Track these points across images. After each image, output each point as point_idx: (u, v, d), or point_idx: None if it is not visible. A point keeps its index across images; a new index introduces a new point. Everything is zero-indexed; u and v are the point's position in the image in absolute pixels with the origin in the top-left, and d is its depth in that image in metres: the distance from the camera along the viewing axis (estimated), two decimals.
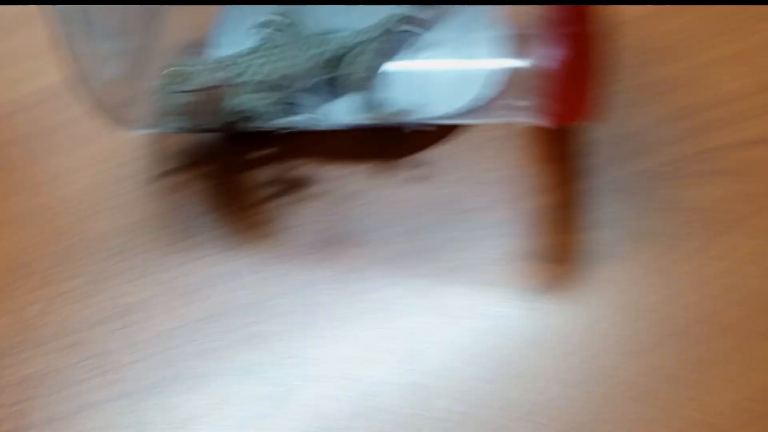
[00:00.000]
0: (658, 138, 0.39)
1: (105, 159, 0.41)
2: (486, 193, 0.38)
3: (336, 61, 0.40)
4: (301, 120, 0.39)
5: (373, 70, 0.41)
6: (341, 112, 0.40)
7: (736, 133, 0.39)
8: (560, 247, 0.37)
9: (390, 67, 0.41)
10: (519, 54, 0.40)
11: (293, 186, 0.40)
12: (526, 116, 0.39)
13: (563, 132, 0.40)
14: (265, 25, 0.41)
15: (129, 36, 0.40)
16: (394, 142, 0.40)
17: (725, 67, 0.42)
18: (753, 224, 0.36)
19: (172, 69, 0.36)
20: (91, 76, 0.36)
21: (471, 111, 0.39)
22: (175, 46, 0.42)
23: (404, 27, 0.41)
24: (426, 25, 0.42)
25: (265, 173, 0.40)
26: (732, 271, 0.35)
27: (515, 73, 0.40)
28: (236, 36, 0.42)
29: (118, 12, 0.39)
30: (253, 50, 0.39)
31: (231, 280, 0.37)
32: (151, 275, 0.38)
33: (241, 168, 0.40)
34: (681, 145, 0.39)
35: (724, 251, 0.36)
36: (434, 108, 0.39)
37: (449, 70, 0.41)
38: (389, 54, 0.41)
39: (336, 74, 0.40)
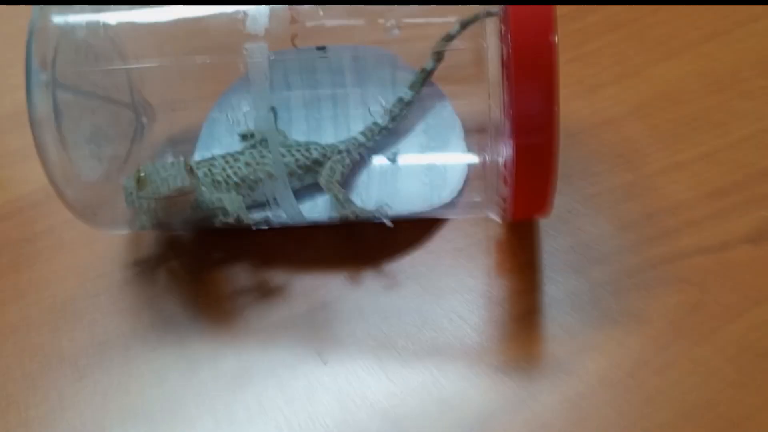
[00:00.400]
0: (614, 247, 0.40)
1: (85, 268, 0.42)
2: (448, 303, 0.39)
3: (317, 166, 0.42)
4: (272, 217, 0.40)
5: (345, 175, 0.42)
6: (314, 211, 0.42)
7: (689, 242, 0.40)
8: (516, 358, 0.37)
9: (361, 167, 0.43)
10: (482, 151, 0.41)
11: (265, 290, 0.41)
12: (488, 212, 0.40)
13: (521, 242, 0.41)
14: (245, 137, 0.43)
15: (105, 143, 0.41)
16: (363, 244, 0.41)
17: (677, 176, 0.43)
18: (701, 334, 0.37)
19: (142, 174, 0.37)
20: (66, 182, 0.38)
21: (437, 209, 0.41)
22: (156, 149, 0.43)
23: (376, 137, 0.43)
24: (391, 134, 0.44)
25: (238, 275, 0.41)
26: (679, 382, 0.35)
27: (479, 169, 0.41)
28: (218, 142, 0.44)
29: (92, 120, 0.40)
30: (233, 154, 0.41)
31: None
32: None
33: (214, 267, 0.41)
34: (635, 254, 0.40)
35: (673, 361, 0.36)
36: (402, 205, 0.41)
37: (416, 169, 0.43)
38: (362, 160, 0.43)
39: (315, 179, 0.42)
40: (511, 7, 0.32)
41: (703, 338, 0.36)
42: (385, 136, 0.43)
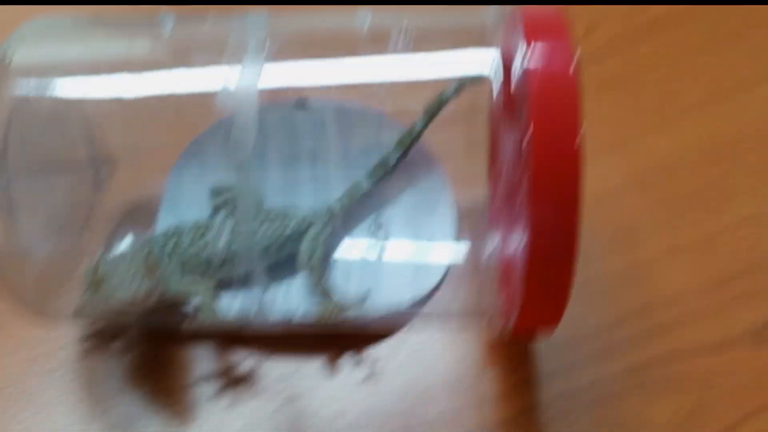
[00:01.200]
0: (610, 343, 0.38)
1: (32, 356, 0.38)
2: (430, 402, 0.36)
3: (297, 238, 0.38)
4: (243, 310, 0.37)
5: (328, 251, 0.39)
6: (289, 300, 0.38)
7: (687, 339, 0.38)
8: None
9: (343, 253, 0.39)
10: (476, 242, 0.39)
11: (231, 378, 0.37)
12: (477, 317, 0.37)
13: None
14: (216, 192, 0.39)
15: (57, 234, 0.37)
16: (340, 335, 0.38)
17: (675, 262, 0.41)
18: None
19: (98, 272, 0.33)
20: (14, 272, 0.34)
21: (421, 303, 0.38)
22: (117, 207, 0.40)
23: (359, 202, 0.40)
24: (375, 200, 0.40)
25: (201, 356, 0.38)
26: None
27: (470, 265, 0.38)
28: (186, 196, 0.40)
29: (44, 211, 0.36)
30: (200, 223, 0.37)
31: None
32: None
33: (175, 346, 0.38)
34: (631, 353, 0.37)
35: None
36: (385, 298, 0.37)
37: (402, 259, 0.40)
38: (343, 234, 0.40)
39: (294, 252, 0.38)
40: (531, 103, 0.29)
41: None
42: (367, 202, 0.40)
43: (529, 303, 0.30)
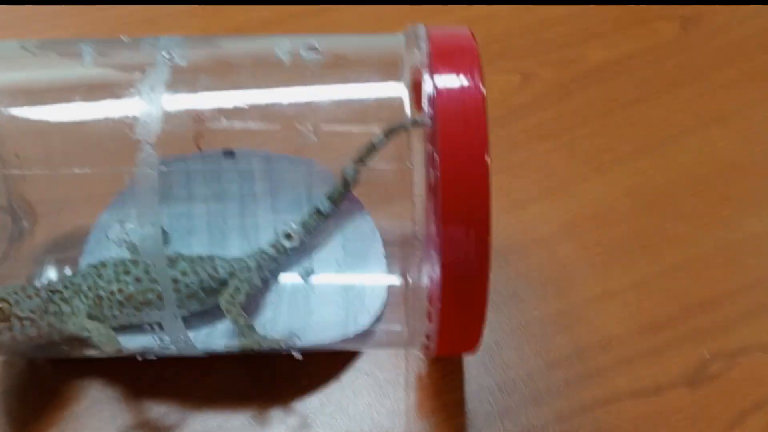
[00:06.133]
0: (544, 387, 0.37)
1: None
2: None
3: (222, 287, 0.37)
4: (159, 347, 0.35)
5: (251, 296, 0.38)
6: (211, 339, 0.36)
7: (621, 383, 0.37)
8: None
9: (270, 284, 0.38)
10: (404, 273, 0.38)
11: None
12: (409, 345, 0.36)
13: (446, 378, 0.37)
14: (132, 250, 0.38)
15: None
16: (270, 375, 0.37)
17: (608, 306, 0.40)
18: None
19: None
20: None
21: (353, 338, 0.37)
22: (37, 254, 0.39)
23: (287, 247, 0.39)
24: (305, 247, 0.40)
25: (120, 409, 0.36)
26: None
27: (399, 294, 0.38)
28: (107, 249, 0.39)
29: None
30: (125, 263, 0.36)
31: None
32: None
33: (91, 399, 0.36)
34: (566, 396, 0.37)
35: None
36: (315, 333, 0.36)
37: (331, 288, 0.39)
38: (270, 277, 0.39)
39: (217, 302, 0.37)
40: (440, 124, 0.29)
41: None
42: (297, 249, 0.39)
43: (447, 326, 0.30)
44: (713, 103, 0.51)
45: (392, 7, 0.57)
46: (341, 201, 0.39)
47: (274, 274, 0.39)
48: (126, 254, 0.37)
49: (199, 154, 0.40)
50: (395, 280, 0.39)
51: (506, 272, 0.42)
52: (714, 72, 0.53)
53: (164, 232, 0.32)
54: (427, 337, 0.32)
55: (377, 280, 0.40)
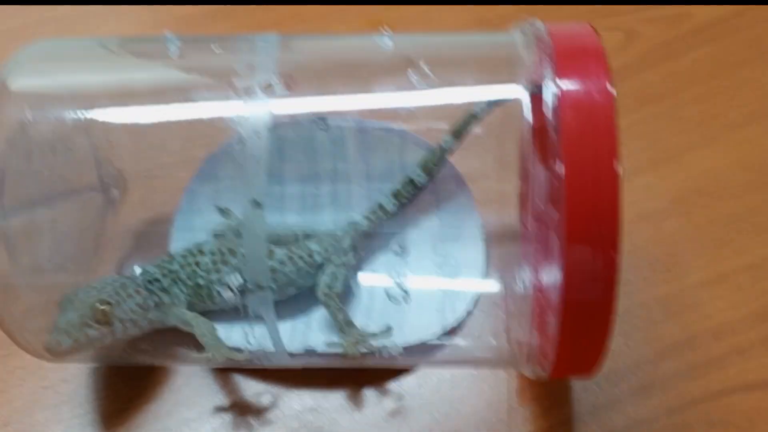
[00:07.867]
0: (652, 378, 0.35)
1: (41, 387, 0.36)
2: None
3: (315, 270, 0.36)
4: (257, 347, 0.34)
5: (349, 281, 0.36)
6: (308, 335, 0.35)
7: (734, 375, 0.35)
8: None
9: (365, 283, 0.37)
10: (506, 270, 0.36)
11: (245, 409, 0.35)
12: (509, 351, 0.35)
13: None
14: (224, 213, 0.37)
15: (68, 261, 0.35)
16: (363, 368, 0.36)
17: (721, 290, 0.38)
18: None
19: (104, 307, 0.31)
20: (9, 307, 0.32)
21: (449, 335, 0.35)
22: (129, 230, 0.38)
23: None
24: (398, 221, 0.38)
25: (212, 387, 0.35)
26: None
27: (503, 298, 0.36)
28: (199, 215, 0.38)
29: (50, 240, 0.34)
30: (221, 249, 0.35)
31: None
32: None
33: (181, 374, 0.36)
34: (675, 388, 0.35)
35: None
36: (410, 330, 0.35)
37: (428, 288, 0.37)
38: (364, 259, 0.38)
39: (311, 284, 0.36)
40: (564, 131, 0.26)
41: None
42: (390, 221, 0.38)
43: (565, 350, 0.27)
44: None
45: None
46: (437, 172, 0.37)
47: (367, 252, 0.37)
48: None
49: (291, 123, 0.38)
50: (495, 267, 0.37)
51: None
52: None
53: (257, 203, 0.31)
54: (539, 350, 0.30)
55: (475, 265, 0.38)
